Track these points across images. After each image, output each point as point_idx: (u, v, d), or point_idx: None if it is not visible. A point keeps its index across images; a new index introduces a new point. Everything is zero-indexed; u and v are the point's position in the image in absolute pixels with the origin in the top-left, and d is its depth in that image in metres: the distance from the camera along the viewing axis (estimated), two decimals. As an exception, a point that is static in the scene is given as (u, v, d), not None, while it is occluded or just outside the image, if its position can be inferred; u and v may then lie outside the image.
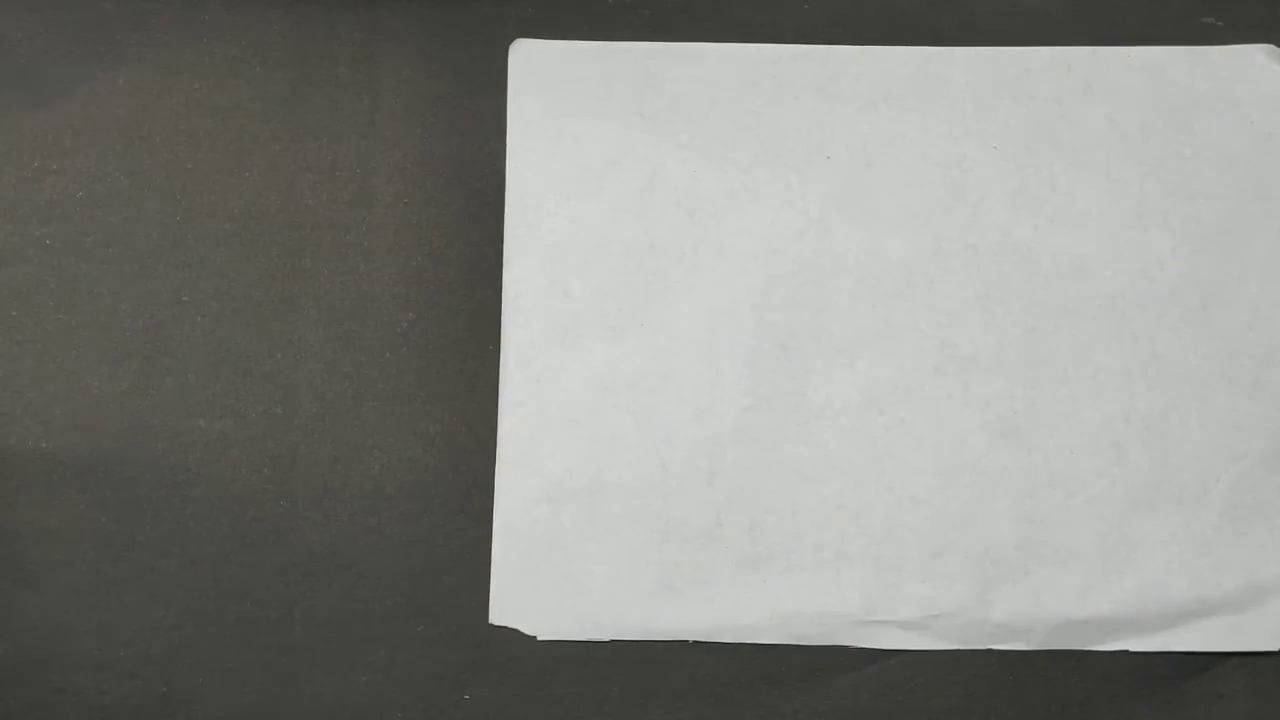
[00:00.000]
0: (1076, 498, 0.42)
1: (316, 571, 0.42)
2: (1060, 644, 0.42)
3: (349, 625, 0.42)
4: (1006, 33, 0.45)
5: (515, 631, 0.42)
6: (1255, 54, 0.44)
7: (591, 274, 0.43)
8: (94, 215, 0.44)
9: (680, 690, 0.42)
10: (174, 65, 0.45)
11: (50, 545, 0.42)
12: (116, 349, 0.43)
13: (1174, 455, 0.42)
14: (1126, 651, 0.42)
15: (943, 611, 0.42)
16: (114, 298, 0.43)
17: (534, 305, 0.43)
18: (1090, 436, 0.42)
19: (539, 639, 0.42)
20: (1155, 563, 0.42)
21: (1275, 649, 0.42)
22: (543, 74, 0.44)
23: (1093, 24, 0.45)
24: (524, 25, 0.45)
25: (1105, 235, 0.43)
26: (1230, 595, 0.42)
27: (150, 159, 0.44)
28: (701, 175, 0.44)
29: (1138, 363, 0.43)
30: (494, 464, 0.43)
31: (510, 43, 0.45)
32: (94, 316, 0.43)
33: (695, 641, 0.42)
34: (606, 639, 0.42)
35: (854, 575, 0.42)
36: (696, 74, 0.45)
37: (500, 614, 0.42)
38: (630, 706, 0.42)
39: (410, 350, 0.43)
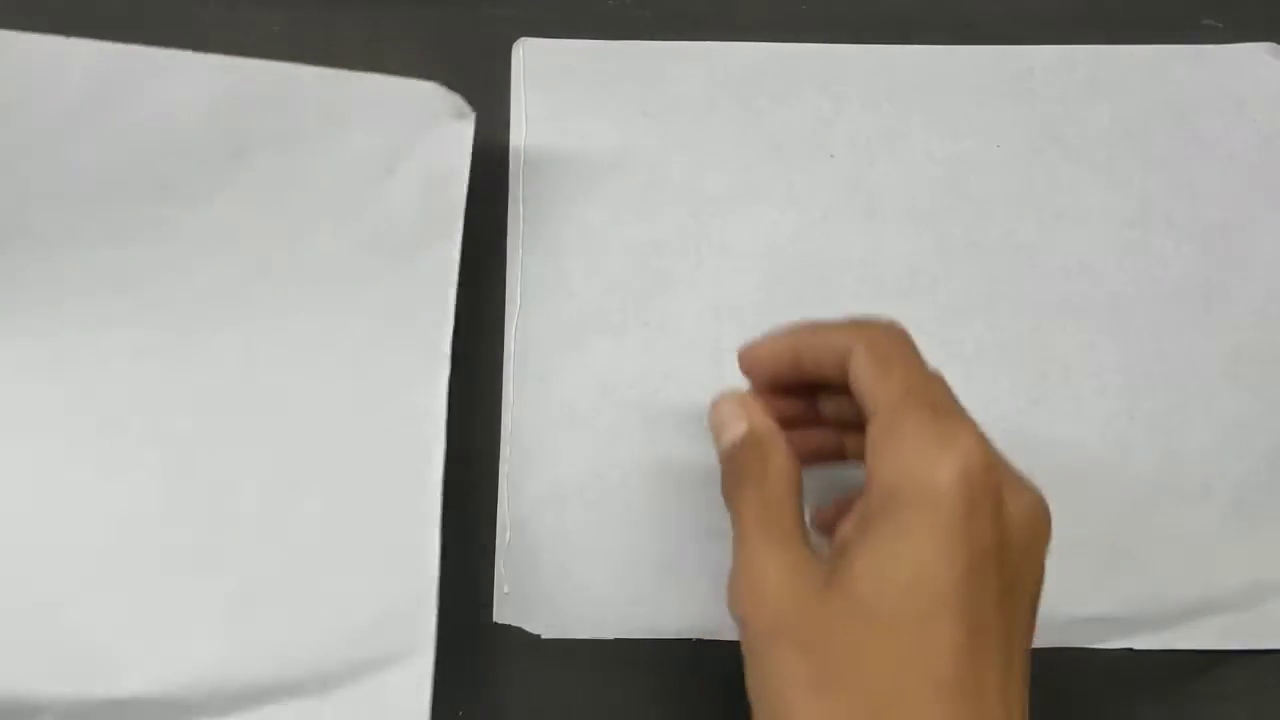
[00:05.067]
0: (1080, 496, 0.42)
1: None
2: (1063, 642, 0.42)
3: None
4: (1009, 32, 0.45)
5: (518, 630, 0.42)
6: (1257, 52, 0.45)
7: (594, 272, 0.43)
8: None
9: (683, 689, 0.41)
10: (175, 63, 0.44)
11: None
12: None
13: (1178, 453, 0.42)
14: (1129, 650, 0.42)
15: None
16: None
17: (536, 304, 0.43)
18: (1094, 434, 0.42)
19: (542, 637, 0.42)
20: (1159, 561, 0.42)
21: (1278, 647, 0.42)
22: (546, 73, 0.44)
23: (1094, 25, 0.45)
24: (524, 25, 0.45)
25: (1108, 233, 0.43)
26: (1234, 593, 0.42)
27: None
28: (704, 174, 0.44)
29: (1141, 361, 0.43)
30: (496, 464, 0.43)
31: (511, 43, 0.45)
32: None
33: (699, 640, 0.42)
34: (610, 637, 0.42)
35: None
36: (699, 73, 0.45)
37: (503, 612, 0.42)
38: (633, 705, 0.42)
39: (412, 349, 0.43)
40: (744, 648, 0.31)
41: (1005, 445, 0.34)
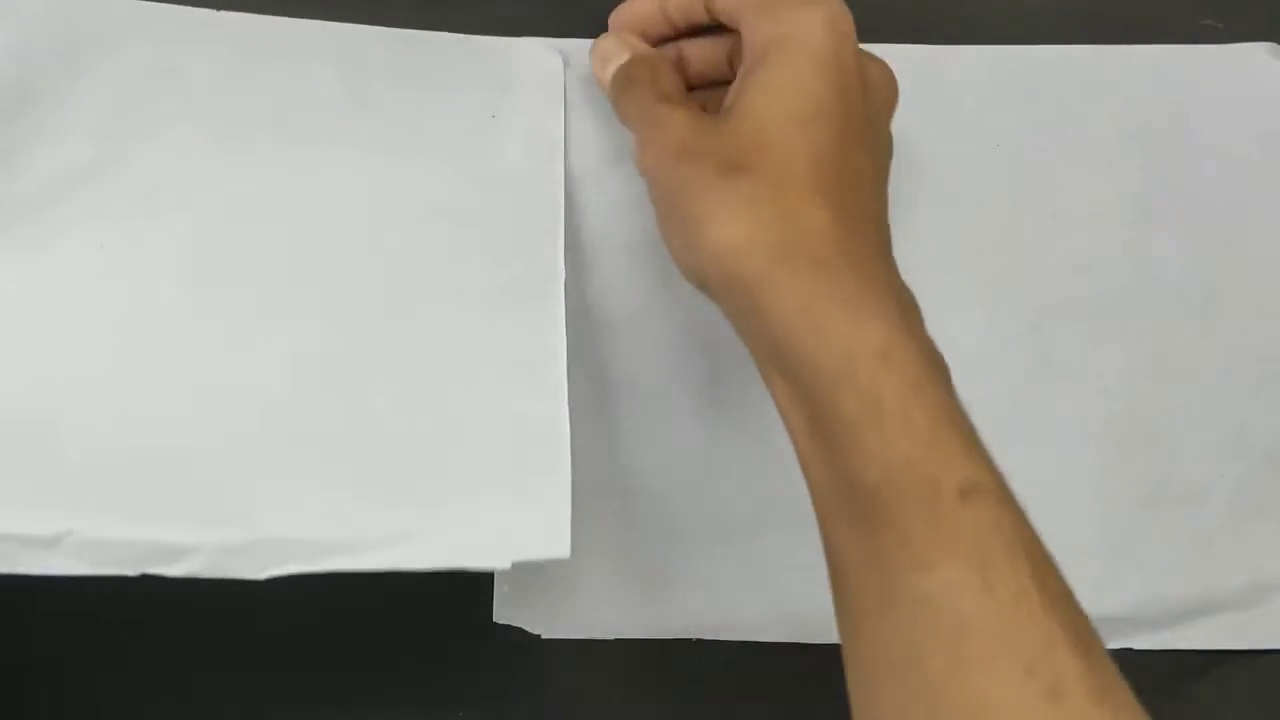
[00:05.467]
0: (1080, 496, 0.42)
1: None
2: (1063, 642, 0.42)
3: (349, 623, 0.42)
4: (1009, 32, 0.45)
5: (518, 630, 0.41)
6: (1257, 52, 0.44)
7: (592, 273, 0.43)
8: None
9: (683, 688, 0.41)
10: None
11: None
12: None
13: (1178, 453, 0.42)
14: (1130, 650, 0.42)
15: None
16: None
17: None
18: (1094, 435, 0.42)
19: (542, 637, 0.42)
20: (1159, 561, 0.42)
21: (1278, 647, 0.42)
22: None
23: (1094, 25, 0.45)
24: (524, 25, 0.45)
25: (1108, 234, 0.43)
26: (1234, 593, 0.42)
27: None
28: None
29: (1141, 361, 0.43)
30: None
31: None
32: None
33: (699, 640, 0.42)
34: (610, 637, 0.42)
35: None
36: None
37: (503, 612, 0.42)
38: (633, 705, 0.42)
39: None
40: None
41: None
